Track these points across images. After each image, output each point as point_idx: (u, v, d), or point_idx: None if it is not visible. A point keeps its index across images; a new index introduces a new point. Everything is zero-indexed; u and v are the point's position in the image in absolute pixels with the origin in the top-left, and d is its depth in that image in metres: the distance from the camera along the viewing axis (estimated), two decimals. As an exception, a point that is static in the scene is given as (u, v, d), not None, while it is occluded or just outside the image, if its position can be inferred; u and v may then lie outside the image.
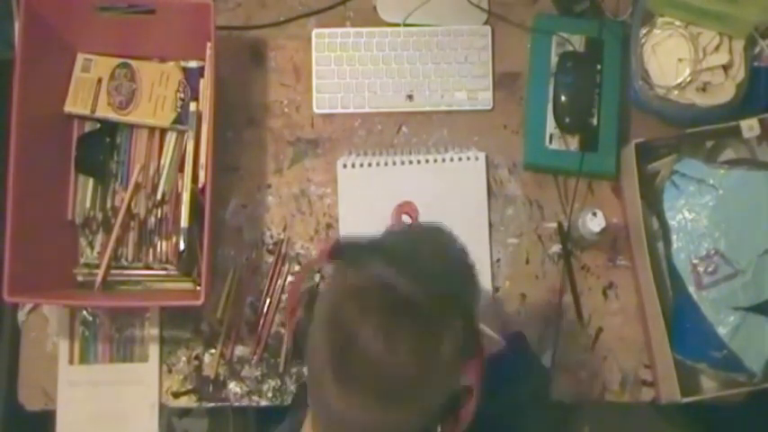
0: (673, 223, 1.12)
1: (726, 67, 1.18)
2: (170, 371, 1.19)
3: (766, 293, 1.09)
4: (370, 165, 1.22)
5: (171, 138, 1.20)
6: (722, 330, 1.09)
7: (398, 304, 0.71)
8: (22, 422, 1.22)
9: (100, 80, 1.20)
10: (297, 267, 1.21)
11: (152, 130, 1.21)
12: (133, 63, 1.21)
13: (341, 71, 1.24)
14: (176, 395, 1.19)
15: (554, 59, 1.21)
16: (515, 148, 1.23)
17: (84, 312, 1.20)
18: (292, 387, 1.19)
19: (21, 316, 1.20)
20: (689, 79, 1.18)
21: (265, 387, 1.19)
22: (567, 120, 1.19)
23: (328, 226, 1.22)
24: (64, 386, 1.18)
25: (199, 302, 1.06)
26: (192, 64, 1.21)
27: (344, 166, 1.22)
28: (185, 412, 1.34)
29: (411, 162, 1.22)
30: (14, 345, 1.22)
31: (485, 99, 1.24)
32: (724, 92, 1.18)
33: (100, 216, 1.19)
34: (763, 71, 1.20)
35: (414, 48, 1.24)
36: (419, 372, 0.70)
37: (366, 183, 1.22)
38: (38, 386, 1.19)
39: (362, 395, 0.70)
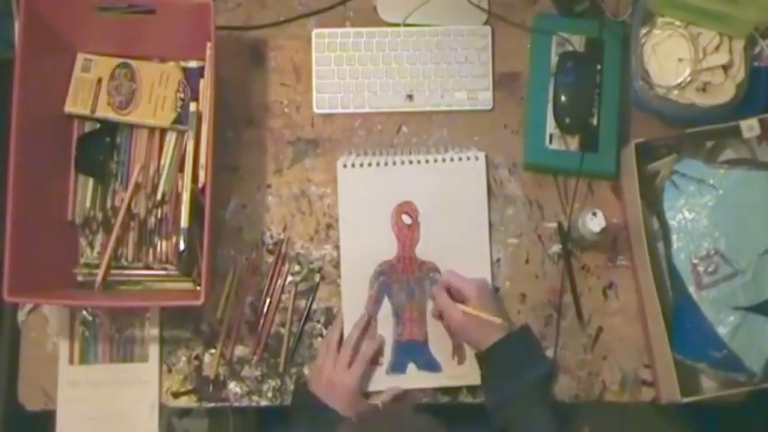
0: (673, 223, 1.12)
1: (726, 67, 1.18)
2: (170, 371, 1.19)
3: (766, 293, 1.09)
4: (370, 165, 1.22)
5: (171, 138, 1.20)
6: (722, 330, 1.09)
7: None
8: (22, 422, 1.22)
9: (100, 80, 1.20)
10: (297, 267, 1.21)
11: (152, 130, 1.21)
12: (133, 63, 1.21)
13: (341, 71, 1.24)
14: (176, 395, 1.19)
15: (554, 59, 1.21)
16: (515, 148, 1.23)
17: (84, 312, 1.20)
18: (292, 387, 1.19)
19: (21, 316, 1.20)
20: (689, 79, 1.18)
21: (265, 387, 1.19)
22: (567, 120, 1.19)
23: (328, 226, 1.22)
24: (64, 386, 1.18)
25: (199, 302, 1.06)
26: (192, 64, 1.21)
27: (344, 166, 1.22)
28: (185, 412, 1.34)
29: (411, 162, 1.22)
30: (14, 345, 1.22)
31: (485, 99, 1.24)
32: (724, 92, 1.18)
33: (100, 216, 1.19)
34: (763, 71, 1.20)
35: (414, 48, 1.24)
36: None
37: (366, 183, 1.22)
38: (38, 386, 1.19)
39: None
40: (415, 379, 1.17)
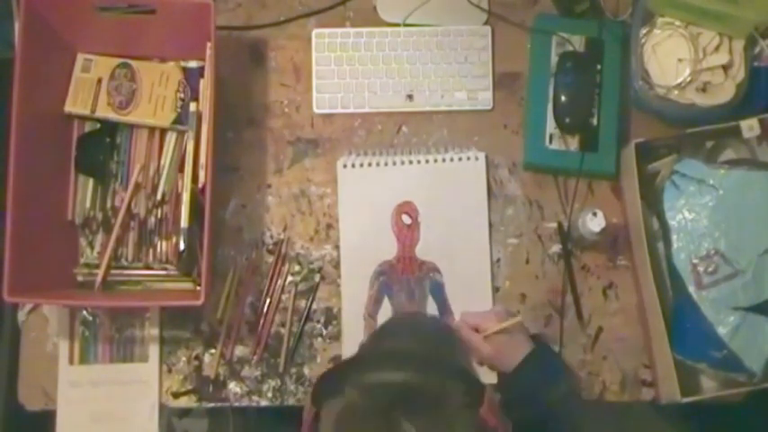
0: (673, 223, 1.12)
1: (726, 67, 1.18)
2: (170, 371, 1.19)
3: (766, 293, 1.09)
4: (370, 165, 1.22)
5: (171, 138, 1.20)
6: (722, 330, 1.09)
7: (393, 401, 0.67)
8: (22, 422, 1.22)
9: (100, 80, 1.20)
10: (297, 267, 1.21)
11: (152, 130, 1.21)
12: (133, 63, 1.21)
13: (341, 71, 1.24)
14: (176, 395, 1.19)
15: (554, 59, 1.21)
16: (515, 148, 1.23)
17: (84, 312, 1.20)
18: (292, 387, 1.19)
19: (21, 316, 1.20)
20: (689, 79, 1.18)
21: (265, 387, 1.19)
22: (567, 120, 1.19)
23: (328, 226, 1.22)
24: (64, 386, 1.18)
25: (199, 302, 1.06)
26: (192, 64, 1.21)
27: (344, 166, 1.22)
28: (185, 412, 1.34)
29: (411, 162, 1.22)
30: (14, 345, 1.22)
31: (485, 99, 1.24)
32: (724, 92, 1.18)
33: (100, 216, 1.19)
34: (763, 71, 1.20)
35: (414, 48, 1.24)
36: None
37: (366, 183, 1.22)
38: (38, 386, 1.19)
39: None
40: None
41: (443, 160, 1.22)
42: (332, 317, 1.20)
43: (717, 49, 1.18)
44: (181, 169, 1.19)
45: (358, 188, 1.22)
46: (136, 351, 1.20)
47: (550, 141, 1.20)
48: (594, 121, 1.19)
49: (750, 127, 1.11)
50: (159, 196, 1.18)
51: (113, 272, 1.18)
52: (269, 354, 1.19)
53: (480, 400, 0.70)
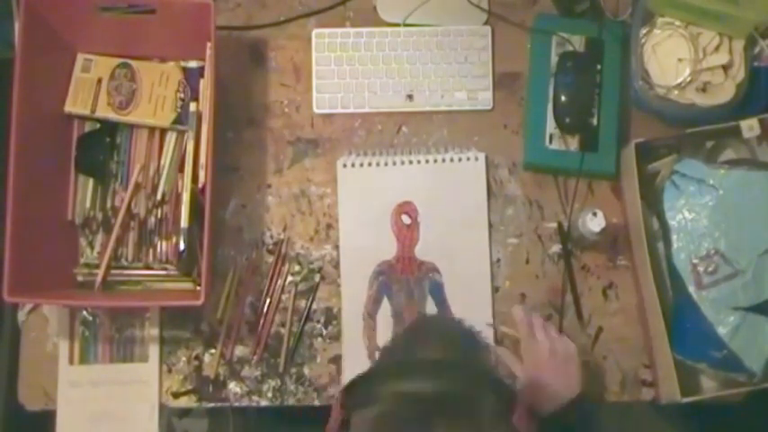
0: (673, 223, 1.12)
1: (726, 67, 1.18)
2: (170, 371, 1.19)
3: (766, 293, 1.09)
4: (370, 165, 1.22)
5: (171, 138, 1.20)
6: (722, 330, 1.09)
7: (429, 410, 0.68)
8: (22, 422, 1.22)
9: (100, 80, 1.20)
10: (297, 267, 1.21)
11: (152, 130, 1.21)
12: (133, 63, 1.21)
13: (341, 71, 1.24)
14: (176, 395, 1.19)
15: (554, 59, 1.21)
16: (515, 148, 1.23)
17: (84, 312, 1.20)
18: (292, 387, 1.19)
19: (21, 316, 1.20)
20: (689, 79, 1.18)
21: (265, 387, 1.19)
22: (567, 120, 1.19)
23: (328, 226, 1.22)
24: (64, 386, 1.18)
25: (199, 302, 1.06)
26: (192, 64, 1.21)
27: (344, 166, 1.22)
28: (185, 412, 1.34)
29: (411, 162, 1.22)
30: (14, 345, 1.22)
31: (485, 99, 1.24)
32: (724, 92, 1.18)
33: (100, 216, 1.19)
34: (763, 71, 1.20)
35: (414, 48, 1.24)
36: None
37: (366, 183, 1.22)
38: (38, 386, 1.19)
39: None
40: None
41: (443, 160, 1.22)
42: (332, 317, 1.20)
43: (717, 49, 1.18)
44: (181, 169, 1.19)
45: (358, 188, 1.22)
46: (136, 351, 1.20)
47: (550, 141, 1.20)
48: (594, 121, 1.19)
49: (750, 127, 1.11)
50: (159, 196, 1.18)
51: (113, 272, 1.18)
52: (269, 354, 1.19)
53: (513, 407, 0.71)
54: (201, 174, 1.15)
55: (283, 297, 1.21)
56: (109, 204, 1.19)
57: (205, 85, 1.18)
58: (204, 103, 1.17)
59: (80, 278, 1.18)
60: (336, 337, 1.20)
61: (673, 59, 1.19)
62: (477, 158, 1.22)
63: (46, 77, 1.15)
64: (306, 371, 1.19)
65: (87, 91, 1.20)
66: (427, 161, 1.22)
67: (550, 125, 1.20)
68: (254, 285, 1.21)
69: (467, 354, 0.84)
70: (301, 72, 1.26)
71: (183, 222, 1.15)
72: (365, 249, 1.20)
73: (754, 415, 1.22)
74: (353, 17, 1.26)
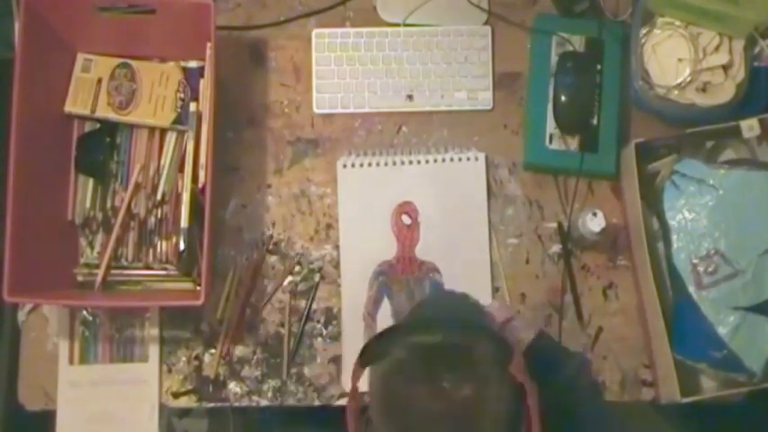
0: (673, 223, 1.12)
1: (726, 67, 1.18)
2: (170, 371, 1.19)
3: (766, 293, 1.09)
4: (370, 165, 1.22)
5: (171, 138, 1.20)
6: (722, 330, 1.09)
7: (433, 357, 0.78)
8: (22, 422, 1.22)
9: (100, 80, 1.20)
10: (297, 267, 1.21)
11: (152, 130, 1.21)
12: (133, 63, 1.21)
13: (341, 71, 1.24)
14: (176, 395, 1.19)
15: (554, 59, 1.21)
16: (515, 148, 1.23)
17: (84, 312, 1.20)
18: (292, 387, 1.19)
19: (21, 316, 1.20)
20: (689, 79, 1.18)
21: (265, 387, 1.19)
22: (567, 120, 1.19)
23: (328, 226, 1.22)
24: (64, 386, 1.18)
25: (199, 302, 1.06)
26: (192, 64, 1.21)
27: (344, 166, 1.22)
28: (185, 412, 1.34)
29: (411, 162, 1.22)
30: (14, 345, 1.22)
31: (485, 99, 1.24)
32: (724, 92, 1.18)
33: (100, 216, 1.19)
34: (763, 71, 1.20)
35: (414, 48, 1.24)
36: (477, 400, 0.77)
37: (366, 183, 1.22)
38: (38, 386, 1.19)
39: None
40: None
41: (443, 160, 1.22)
42: (332, 317, 1.20)
43: (717, 49, 1.18)
44: (181, 169, 1.19)
45: (358, 188, 1.22)
46: (136, 351, 1.20)
47: (550, 141, 1.20)
48: (594, 121, 1.19)
49: (750, 127, 1.11)
50: (159, 196, 1.18)
51: (113, 272, 1.18)
52: (269, 354, 1.19)
53: (509, 357, 0.79)
54: (201, 174, 1.15)
55: (283, 297, 1.21)
56: (109, 204, 1.19)
57: (205, 85, 1.18)
58: (204, 103, 1.17)
59: (80, 278, 1.18)
60: (336, 337, 1.20)
61: (673, 59, 1.19)
62: (477, 158, 1.22)
63: (46, 77, 1.15)
64: (306, 371, 1.19)
65: (87, 91, 1.20)
66: (427, 161, 1.22)
67: (550, 125, 1.20)
68: (254, 285, 1.21)
69: (467, 314, 0.93)
70: (301, 72, 1.26)
71: (183, 222, 1.15)
72: (365, 249, 1.20)
73: (754, 415, 1.22)
74: (353, 17, 1.26)
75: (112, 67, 1.21)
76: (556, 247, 1.21)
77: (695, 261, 1.10)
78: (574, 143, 1.19)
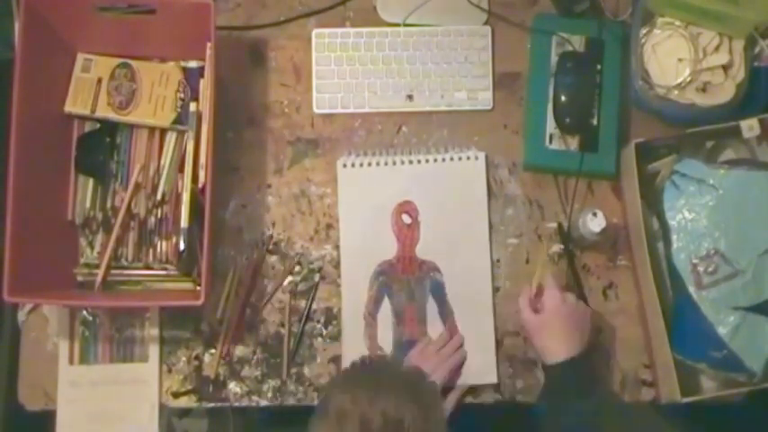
0: (673, 223, 1.12)
1: (726, 67, 1.18)
2: (170, 371, 1.19)
3: (766, 293, 1.09)
4: (370, 165, 1.22)
5: (171, 138, 1.20)
6: (722, 330, 1.09)
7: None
8: (22, 422, 1.22)
9: (100, 80, 1.20)
10: (297, 267, 1.21)
11: (152, 130, 1.21)
12: (133, 63, 1.21)
13: (341, 71, 1.24)
14: (176, 395, 1.19)
15: (554, 59, 1.21)
16: (515, 148, 1.23)
17: (84, 312, 1.20)
18: (292, 387, 1.19)
19: (21, 316, 1.20)
20: (689, 79, 1.18)
21: (265, 387, 1.19)
22: (567, 120, 1.19)
23: (328, 226, 1.22)
24: (64, 386, 1.18)
25: (199, 302, 1.06)
26: (192, 64, 1.21)
27: (344, 166, 1.22)
28: (185, 412, 1.34)
29: (411, 162, 1.22)
30: (14, 345, 1.22)
31: (485, 99, 1.24)
32: (724, 92, 1.18)
33: (100, 216, 1.19)
34: (763, 71, 1.20)
35: (414, 48, 1.24)
36: None
37: (366, 183, 1.22)
38: (38, 386, 1.19)
39: None
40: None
41: (443, 160, 1.22)
42: (332, 317, 1.20)
43: (717, 49, 1.18)
44: (181, 169, 1.19)
45: (358, 188, 1.22)
46: (136, 351, 1.20)
47: (550, 141, 1.20)
48: (594, 121, 1.19)
49: (750, 127, 1.12)
50: (159, 196, 1.18)
51: (113, 272, 1.18)
52: (269, 354, 1.19)
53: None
54: (201, 174, 1.15)
55: (283, 297, 1.21)
56: (109, 204, 1.19)
57: (205, 85, 1.18)
58: (204, 103, 1.17)
59: (80, 278, 1.18)
60: (336, 337, 1.20)
61: (673, 59, 1.19)
62: (477, 158, 1.22)
63: (46, 77, 1.15)
64: (306, 371, 1.19)
65: (87, 91, 1.20)
66: (427, 161, 1.22)
67: (550, 125, 1.20)
68: (254, 285, 1.21)
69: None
70: (301, 72, 1.26)
71: (183, 222, 1.15)
72: (365, 249, 1.20)
73: (754, 415, 1.22)
74: (353, 17, 1.26)
75: (112, 67, 1.21)
76: (556, 247, 1.21)
77: (695, 261, 1.11)
78: (574, 143, 1.19)
